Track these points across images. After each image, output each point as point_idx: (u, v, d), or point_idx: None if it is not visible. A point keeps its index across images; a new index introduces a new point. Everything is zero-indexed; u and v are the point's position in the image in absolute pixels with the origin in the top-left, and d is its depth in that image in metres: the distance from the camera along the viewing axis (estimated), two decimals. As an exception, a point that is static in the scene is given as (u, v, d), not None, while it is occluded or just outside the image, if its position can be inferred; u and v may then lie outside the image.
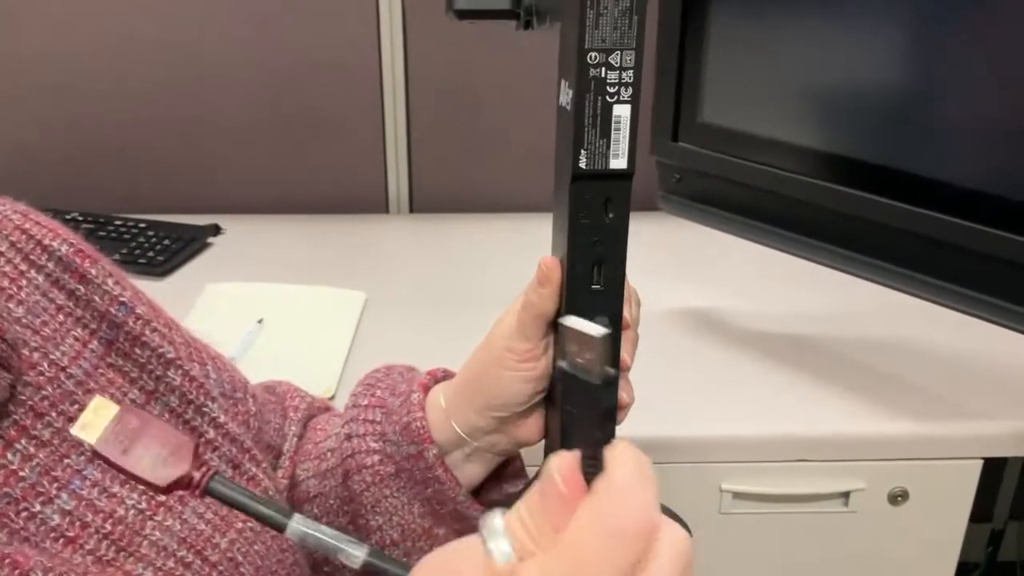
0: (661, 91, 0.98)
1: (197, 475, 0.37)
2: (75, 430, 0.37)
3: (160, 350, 0.47)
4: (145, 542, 0.42)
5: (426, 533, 0.57)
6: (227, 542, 0.46)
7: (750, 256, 1.02)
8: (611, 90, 0.45)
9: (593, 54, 0.44)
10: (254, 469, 0.49)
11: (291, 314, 1.03)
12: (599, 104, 0.45)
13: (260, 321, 1.00)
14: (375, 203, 1.35)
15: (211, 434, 0.47)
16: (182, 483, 0.37)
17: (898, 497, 0.88)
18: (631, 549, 0.29)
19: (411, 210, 1.36)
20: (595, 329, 0.36)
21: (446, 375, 0.59)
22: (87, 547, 0.40)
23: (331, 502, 0.58)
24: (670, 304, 1.08)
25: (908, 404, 0.89)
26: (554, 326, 0.51)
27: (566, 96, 0.46)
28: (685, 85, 0.97)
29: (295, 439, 0.59)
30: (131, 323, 0.47)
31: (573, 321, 0.37)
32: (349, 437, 0.57)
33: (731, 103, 0.95)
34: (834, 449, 0.87)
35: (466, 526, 0.56)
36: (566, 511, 0.30)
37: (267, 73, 1.28)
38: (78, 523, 0.40)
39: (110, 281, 0.48)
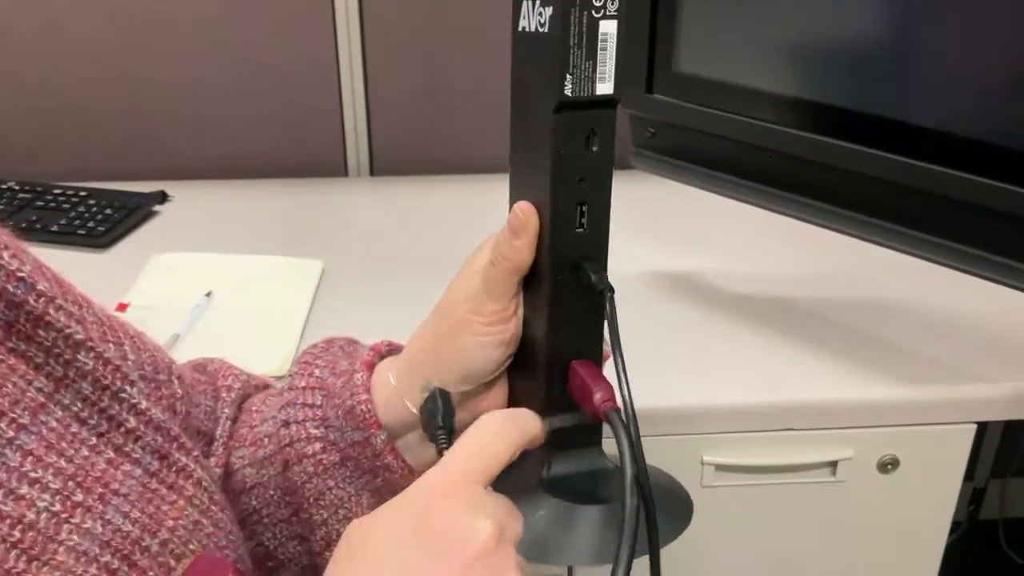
0: (632, 38, 0.92)
1: None
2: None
3: (68, 331, 0.41)
4: (61, 548, 0.37)
5: None
6: (158, 544, 0.41)
7: (728, 215, 0.97)
8: (597, 3, 0.41)
9: None
10: (184, 459, 0.44)
11: (242, 286, 0.96)
12: (585, 20, 0.41)
13: (208, 294, 0.93)
14: (333, 166, 1.28)
15: (132, 423, 0.42)
16: None
17: (888, 465, 0.84)
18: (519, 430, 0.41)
19: (372, 173, 1.29)
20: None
21: (391, 349, 0.54)
22: None
23: (270, 493, 0.53)
24: (645, 267, 1.02)
25: (897, 368, 0.84)
26: (526, 282, 0.47)
27: (539, 17, 0.42)
28: (659, 32, 0.90)
29: (228, 423, 0.54)
30: (32, 301, 0.40)
31: None
32: (287, 423, 0.52)
33: (709, 51, 0.89)
34: (820, 417, 0.82)
35: None
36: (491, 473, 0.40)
37: (215, 28, 1.19)
38: None
39: (5, 255, 0.41)
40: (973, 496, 1.63)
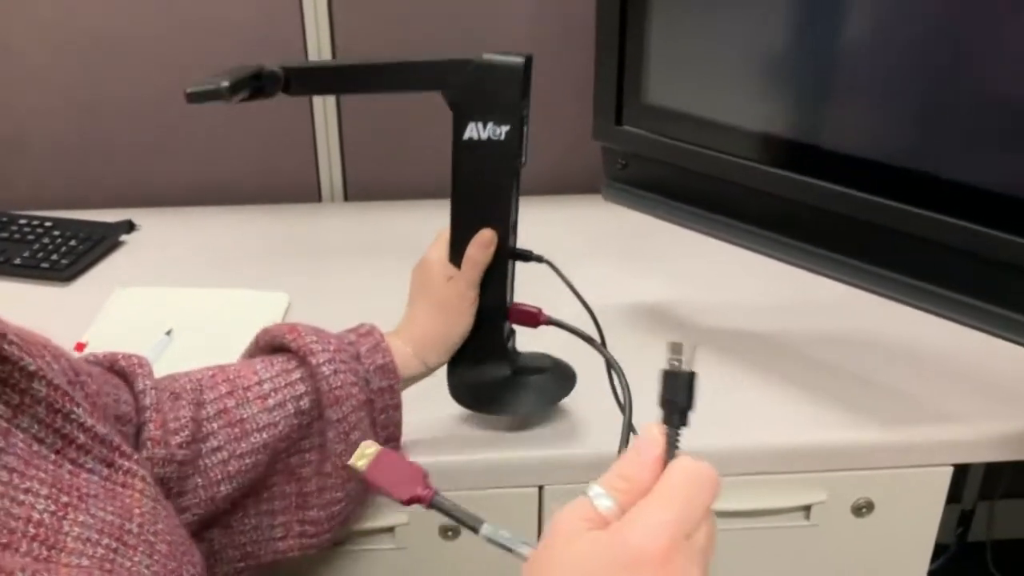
0: (602, 69, 0.90)
1: (424, 494, 0.49)
2: (351, 461, 0.51)
3: (21, 363, 0.46)
4: (68, 538, 0.44)
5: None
6: (136, 526, 0.48)
7: (702, 245, 0.94)
8: (526, 117, 0.73)
9: None
10: (127, 463, 0.50)
11: (204, 322, 0.94)
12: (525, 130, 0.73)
13: (168, 333, 0.91)
14: (307, 191, 1.26)
15: (81, 438, 0.48)
16: (415, 500, 0.49)
17: (862, 509, 0.82)
18: (711, 494, 0.40)
19: (346, 198, 1.27)
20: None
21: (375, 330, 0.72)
22: (21, 550, 0.42)
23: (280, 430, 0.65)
24: (616, 298, 1.00)
25: (871, 407, 0.82)
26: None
27: (491, 131, 0.70)
28: (628, 63, 0.88)
29: (164, 403, 0.61)
30: None
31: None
32: (335, 372, 0.66)
33: (679, 83, 0.87)
34: (792, 460, 0.80)
35: None
36: (653, 474, 0.41)
37: (179, 50, 1.17)
38: (5, 530, 0.42)
39: None
40: (961, 518, 1.61)
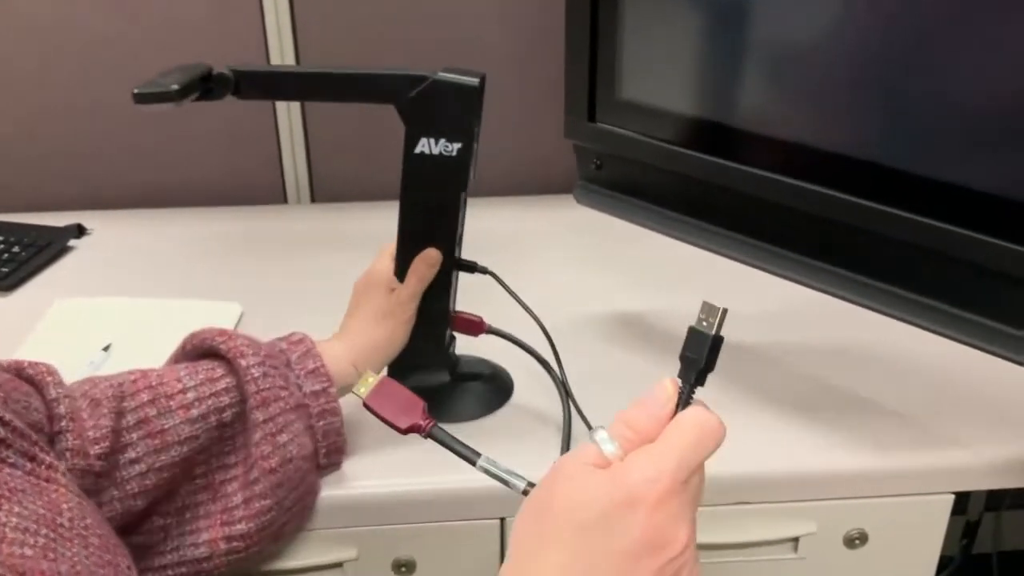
0: (572, 62, 0.83)
1: (423, 423, 0.52)
2: (353, 390, 0.54)
3: None
4: (7, 528, 0.43)
5: None
6: (67, 520, 0.47)
7: (684, 251, 0.87)
8: (478, 134, 0.71)
9: None
10: (48, 457, 0.49)
11: (148, 335, 0.88)
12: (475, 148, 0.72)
13: (107, 348, 0.85)
14: (271, 192, 1.19)
15: (2, 432, 0.47)
16: (413, 428, 0.52)
17: (855, 540, 0.75)
18: (715, 445, 0.42)
19: (313, 199, 1.20)
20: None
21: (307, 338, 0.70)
22: None
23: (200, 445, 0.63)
24: (594, 306, 0.94)
25: (864, 432, 0.75)
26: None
27: (443, 147, 0.69)
28: (600, 54, 0.81)
29: (81, 411, 0.58)
30: None
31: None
32: (264, 375, 0.64)
33: (655, 76, 0.79)
34: (779, 489, 0.73)
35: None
36: (660, 427, 0.42)
37: (137, 45, 1.10)
38: None
39: None
40: (966, 530, 1.54)
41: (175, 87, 0.68)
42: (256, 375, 0.63)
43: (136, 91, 0.68)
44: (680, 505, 0.40)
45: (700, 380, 0.44)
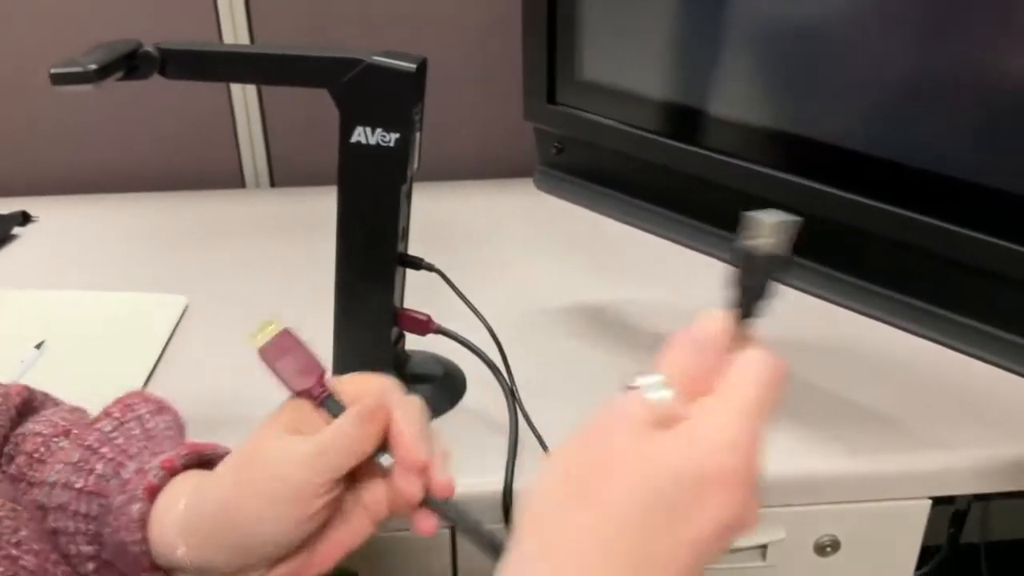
0: (530, 39, 0.77)
1: (317, 391, 0.47)
2: (246, 339, 0.47)
3: None
4: None
5: None
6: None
7: (651, 237, 0.82)
8: (417, 122, 0.65)
9: None
10: None
11: (86, 331, 0.83)
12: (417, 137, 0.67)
13: (39, 346, 0.80)
14: (229, 177, 1.14)
15: None
16: (305, 394, 0.47)
17: (826, 547, 0.71)
18: (782, 391, 0.35)
19: (272, 183, 1.15)
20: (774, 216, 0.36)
21: (192, 455, 0.48)
22: None
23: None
24: (553, 298, 0.89)
25: (837, 434, 0.71)
26: (367, 276, 0.68)
27: (380, 137, 0.64)
28: (559, 31, 0.76)
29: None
30: None
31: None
32: (56, 532, 0.47)
33: (619, 54, 0.74)
34: (746, 495, 0.69)
35: None
36: (712, 372, 0.34)
37: (84, 21, 1.05)
38: None
39: None
40: (953, 519, 1.51)
41: (93, 67, 0.63)
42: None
43: (52, 71, 0.63)
44: (756, 473, 0.33)
45: (755, 311, 0.36)
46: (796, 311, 0.81)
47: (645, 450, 0.32)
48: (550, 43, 0.76)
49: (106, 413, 0.53)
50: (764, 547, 0.71)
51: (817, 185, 0.64)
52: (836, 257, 0.67)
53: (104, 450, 0.49)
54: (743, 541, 0.70)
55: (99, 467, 0.48)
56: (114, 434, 0.51)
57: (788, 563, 0.72)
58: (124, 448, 0.50)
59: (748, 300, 0.36)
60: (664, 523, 0.32)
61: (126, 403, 0.53)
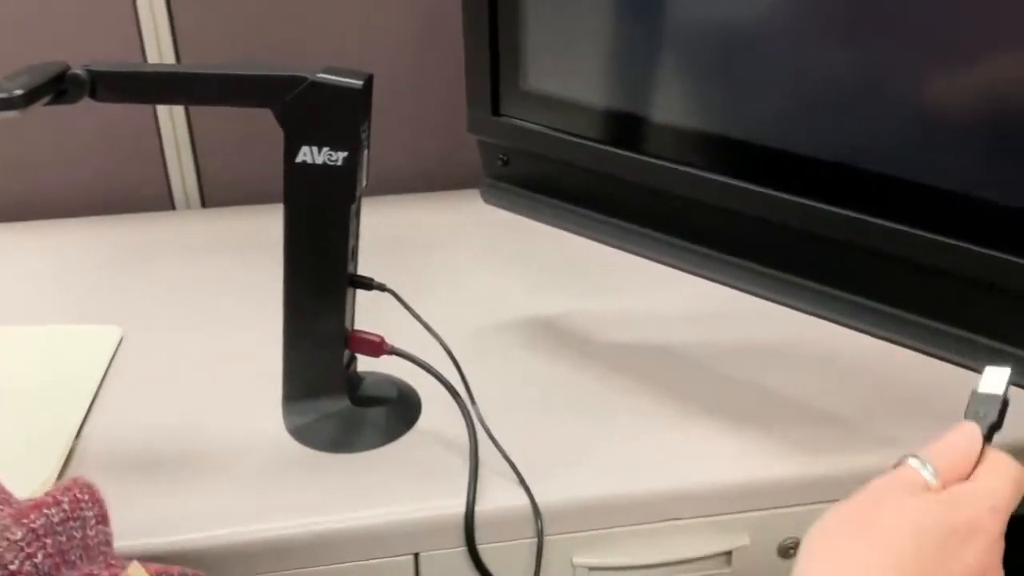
0: (472, 48, 0.76)
1: None
2: None
3: None
4: None
5: None
6: None
7: (603, 247, 0.82)
8: (364, 139, 0.65)
9: None
10: None
11: (17, 368, 0.79)
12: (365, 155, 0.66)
13: (-39, 387, 0.75)
14: (157, 199, 1.10)
15: None
16: None
17: (790, 549, 0.72)
18: (1020, 491, 0.41)
19: (203, 204, 1.11)
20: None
21: None
22: None
23: None
24: (509, 311, 0.88)
25: (796, 436, 0.71)
26: (316, 292, 0.67)
27: (327, 156, 0.63)
28: (502, 40, 0.75)
29: None
30: None
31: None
32: None
33: (564, 64, 0.74)
34: (708, 502, 0.69)
35: None
36: (968, 465, 0.42)
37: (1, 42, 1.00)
38: None
39: None
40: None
41: (19, 92, 0.59)
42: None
43: None
44: (1001, 547, 0.40)
45: (993, 435, 0.45)
46: (747, 315, 0.82)
47: (922, 503, 0.40)
48: (493, 54, 0.75)
49: (54, 500, 0.47)
50: (729, 554, 0.71)
51: (762, 189, 0.65)
52: (783, 259, 0.67)
53: (48, 541, 0.45)
54: (707, 549, 0.70)
55: (39, 558, 0.44)
56: (59, 527, 0.46)
57: (753, 568, 0.72)
58: (64, 550, 0.45)
59: (991, 431, 0.45)
60: (935, 561, 0.38)
61: (76, 496, 0.48)
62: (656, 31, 0.68)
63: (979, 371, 0.50)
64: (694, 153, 0.68)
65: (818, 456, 0.70)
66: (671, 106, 0.69)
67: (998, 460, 0.42)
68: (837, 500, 0.70)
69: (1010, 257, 0.55)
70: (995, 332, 0.59)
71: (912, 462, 0.42)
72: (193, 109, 1.06)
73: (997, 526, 0.39)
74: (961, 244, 0.57)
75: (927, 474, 0.42)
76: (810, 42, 0.61)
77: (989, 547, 0.39)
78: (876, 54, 0.58)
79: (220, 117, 1.06)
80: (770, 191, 0.65)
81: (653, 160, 0.70)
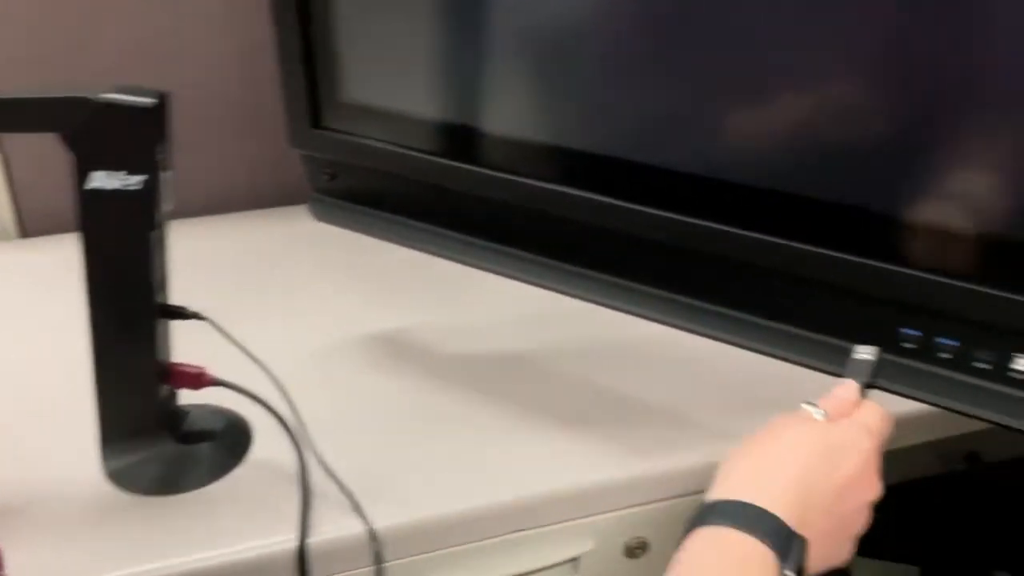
0: (286, 60, 0.73)
1: None
2: None
3: None
4: None
5: None
6: None
7: (434, 259, 0.80)
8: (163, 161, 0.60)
9: None
10: None
11: None
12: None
13: None
14: (-31, 230, 1.02)
15: None
16: None
17: (636, 550, 0.72)
18: (888, 428, 0.53)
19: (24, 234, 1.04)
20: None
21: None
22: None
23: None
24: (343, 330, 0.85)
25: (632, 436, 0.72)
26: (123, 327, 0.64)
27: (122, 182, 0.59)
28: (317, 51, 0.73)
29: None
30: None
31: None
32: None
33: (383, 73, 0.72)
34: (550, 510, 0.68)
35: None
36: (849, 409, 0.53)
37: None
38: None
39: None
40: None
41: None
42: None
43: None
44: (878, 465, 0.50)
45: (870, 386, 0.56)
46: (585, 319, 0.82)
47: (813, 427, 0.51)
48: (308, 65, 0.72)
49: None
50: (575, 560, 0.70)
51: (588, 194, 0.65)
52: (616, 264, 0.67)
53: None
54: (553, 557, 0.70)
55: None
56: None
57: (601, 571, 0.72)
58: None
59: (866, 388, 0.55)
60: (823, 467, 0.48)
61: None
62: (471, 39, 0.67)
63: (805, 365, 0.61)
64: (513, 160, 0.67)
65: (656, 454, 0.70)
66: (491, 115, 0.68)
67: (871, 404, 0.54)
68: (678, 497, 0.71)
69: (834, 253, 0.56)
70: (826, 327, 0.60)
71: (805, 406, 0.52)
72: (5, 136, 0.99)
73: (870, 443, 0.50)
74: (783, 242, 0.58)
75: (817, 413, 0.52)
76: (623, 53, 0.62)
77: (865, 460, 0.49)
78: (697, 58, 0.59)
79: (31, 141, 1.00)
80: (593, 195, 0.65)
81: (479, 169, 0.69)
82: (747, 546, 0.45)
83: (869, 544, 0.84)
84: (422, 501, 0.66)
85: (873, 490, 0.50)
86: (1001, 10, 0.47)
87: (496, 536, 0.67)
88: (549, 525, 0.69)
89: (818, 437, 0.50)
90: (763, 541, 0.45)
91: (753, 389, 0.77)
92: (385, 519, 0.64)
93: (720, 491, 0.49)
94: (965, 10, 0.48)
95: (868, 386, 0.56)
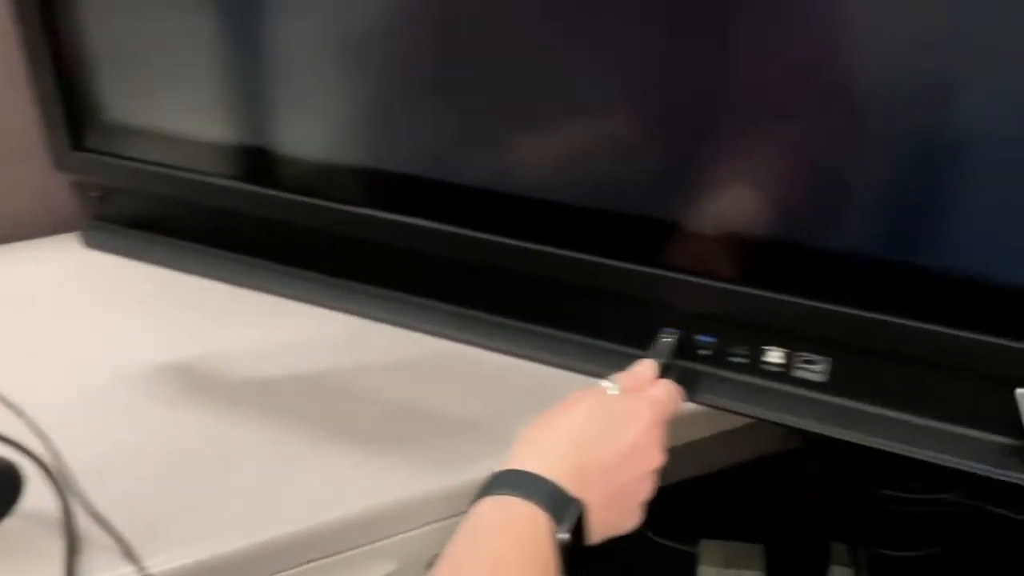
0: (38, 76, 0.68)
1: None
2: None
3: None
4: None
5: None
6: None
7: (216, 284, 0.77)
8: None
9: None
10: None
11: None
12: None
13: None
14: None
15: None
16: None
17: (440, 565, 0.71)
18: (679, 405, 0.56)
19: None
20: None
21: None
22: None
23: None
24: (126, 363, 0.81)
25: (427, 451, 0.71)
26: None
27: None
28: (70, 65, 0.68)
29: None
30: None
31: None
32: None
33: (144, 92, 0.68)
34: (348, 536, 0.67)
35: None
36: (644, 385, 0.55)
37: None
38: None
39: None
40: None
41: None
42: None
43: None
44: (660, 435, 0.52)
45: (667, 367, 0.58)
46: (380, 336, 0.79)
47: (598, 398, 0.52)
48: (61, 81, 0.68)
49: None
50: (380, 582, 0.69)
51: (377, 213, 0.63)
52: (405, 282, 0.66)
53: None
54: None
55: None
56: None
57: (407, 590, 0.71)
58: None
59: (664, 369, 0.57)
60: (603, 435, 0.50)
61: None
62: (233, 56, 0.64)
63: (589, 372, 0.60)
64: (290, 179, 0.65)
65: (452, 466, 0.69)
66: (262, 132, 0.66)
67: (664, 381, 0.56)
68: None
69: (607, 261, 0.57)
70: (611, 334, 0.61)
71: (601, 382, 0.54)
72: None
73: (652, 415, 0.52)
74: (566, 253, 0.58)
75: (611, 388, 0.54)
76: (408, 64, 0.60)
77: (647, 429, 0.51)
78: (485, 78, 0.58)
79: None
80: (386, 214, 0.63)
81: (257, 189, 0.66)
82: (523, 510, 0.47)
83: (715, 525, 0.87)
84: (205, 541, 0.63)
85: (654, 460, 0.51)
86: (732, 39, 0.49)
87: (291, 568, 0.65)
88: (348, 551, 0.67)
89: (602, 407, 0.52)
90: (539, 505, 0.47)
91: (552, 399, 0.77)
92: (164, 563, 0.61)
93: (508, 463, 0.51)
94: (700, 40, 0.50)
95: (664, 368, 0.58)
